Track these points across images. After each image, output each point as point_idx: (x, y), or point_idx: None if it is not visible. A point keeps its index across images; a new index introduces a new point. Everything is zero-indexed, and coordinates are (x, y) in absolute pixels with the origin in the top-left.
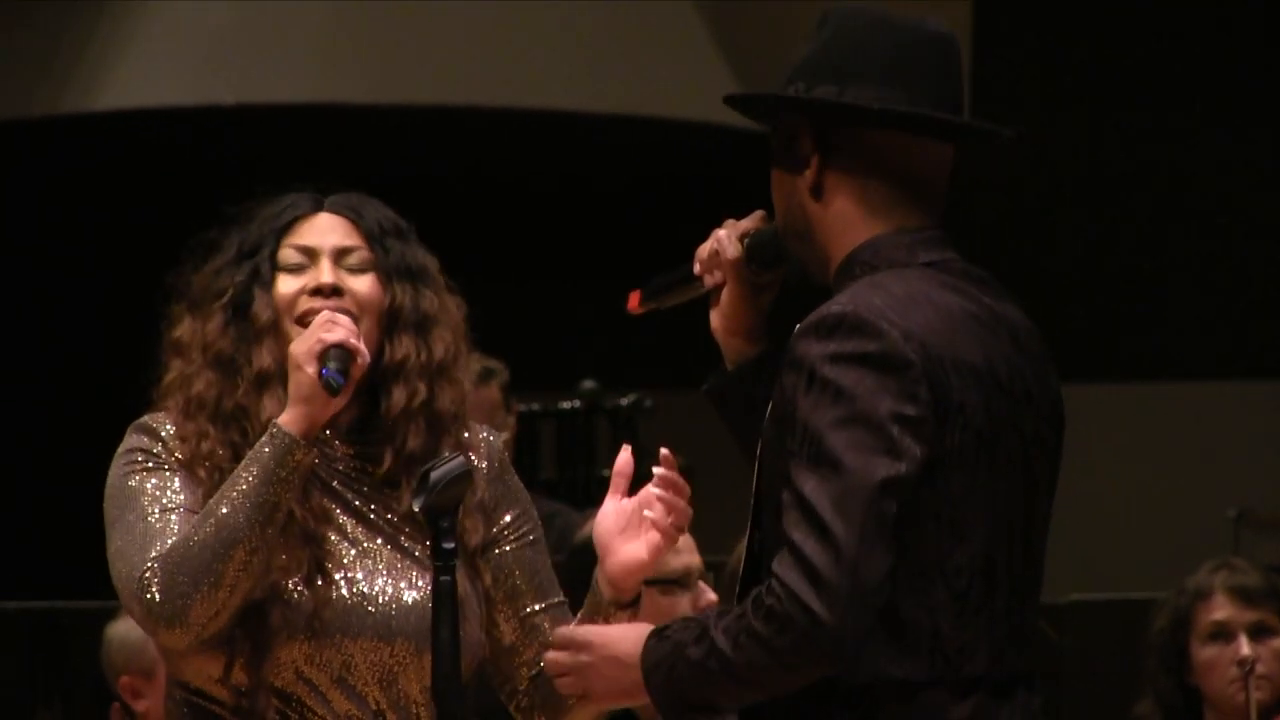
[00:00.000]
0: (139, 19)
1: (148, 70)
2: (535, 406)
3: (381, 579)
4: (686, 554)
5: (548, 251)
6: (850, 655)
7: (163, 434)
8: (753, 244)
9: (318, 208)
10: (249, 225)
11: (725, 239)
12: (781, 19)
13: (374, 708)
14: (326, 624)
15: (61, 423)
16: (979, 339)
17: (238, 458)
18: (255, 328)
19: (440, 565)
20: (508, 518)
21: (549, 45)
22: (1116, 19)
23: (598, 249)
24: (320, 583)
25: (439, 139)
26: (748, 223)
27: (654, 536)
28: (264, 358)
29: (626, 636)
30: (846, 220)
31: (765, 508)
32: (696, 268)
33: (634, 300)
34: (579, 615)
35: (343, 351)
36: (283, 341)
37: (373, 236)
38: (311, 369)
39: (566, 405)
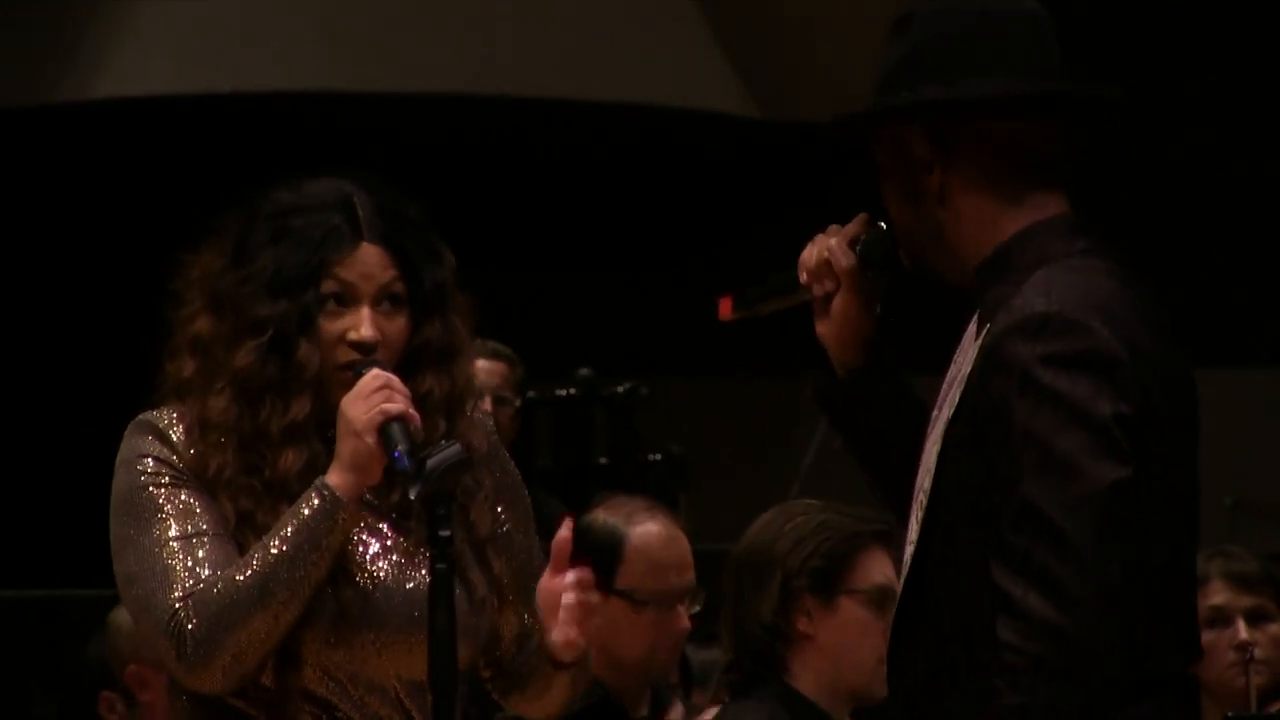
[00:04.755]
0: (137, 6)
1: (145, 58)
2: (531, 394)
3: (399, 574)
4: (686, 571)
5: (543, 239)
6: (1117, 670)
7: (173, 438)
8: (866, 249)
9: (358, 237)
10: (281, 238)
11: (837, 248)
12: (776, 5)
13: (394, 696)
14: (350, 623)
15: (61, 411)
16: (1151, 330)
17: (260, 482)
18: (299, 376)
19: (437, 553)
20: (504, 503)
21: (547, 33)
22: (1122, 16)
23: (593, 237)
24: (343, 585)
25: (434, 127)
26: (854, 228)
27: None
28: (303, 407)
29: None
30: (982, 218)
31: (942, 510)
32: (803, 277)
33: (725, 307)
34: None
35: (405, 426)
36: (322, 393)
37: (410, 269)
38: (371, 439)
39: (562, 392)
